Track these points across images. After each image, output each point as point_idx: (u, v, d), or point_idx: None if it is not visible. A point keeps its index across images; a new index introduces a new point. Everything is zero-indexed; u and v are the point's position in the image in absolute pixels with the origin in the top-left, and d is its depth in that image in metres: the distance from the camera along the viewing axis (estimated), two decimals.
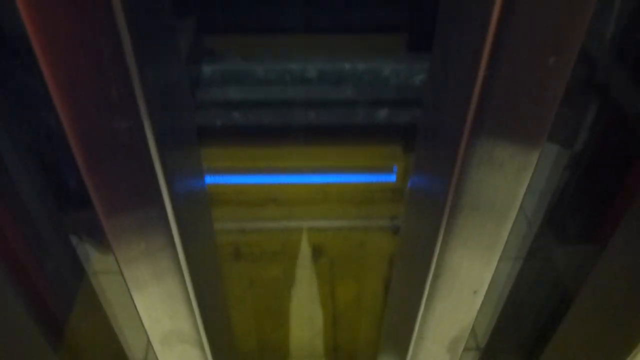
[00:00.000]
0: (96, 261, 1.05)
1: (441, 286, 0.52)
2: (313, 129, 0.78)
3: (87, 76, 0.32)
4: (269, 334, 1.06)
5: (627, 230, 0.73)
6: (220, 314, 0.65)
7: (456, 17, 0.37)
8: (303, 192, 0.90)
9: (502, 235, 0.46)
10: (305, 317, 1.06)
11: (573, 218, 0.86)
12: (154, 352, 0.56)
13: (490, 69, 0.34)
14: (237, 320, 1.00)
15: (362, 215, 0.93)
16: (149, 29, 0.34)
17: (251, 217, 0.93)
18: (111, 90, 0.33)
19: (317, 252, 0.96)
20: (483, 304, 0.55)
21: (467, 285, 0.51)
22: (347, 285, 1.02)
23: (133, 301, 0.49)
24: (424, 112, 0.49)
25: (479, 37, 0.33)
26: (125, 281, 0.47)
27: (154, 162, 0.37)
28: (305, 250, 0.97)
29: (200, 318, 0.51)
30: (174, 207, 0.41)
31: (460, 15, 0.36)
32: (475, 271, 0.50)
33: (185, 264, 0.45)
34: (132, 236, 0.42)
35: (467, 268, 0.49)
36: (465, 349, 0.64)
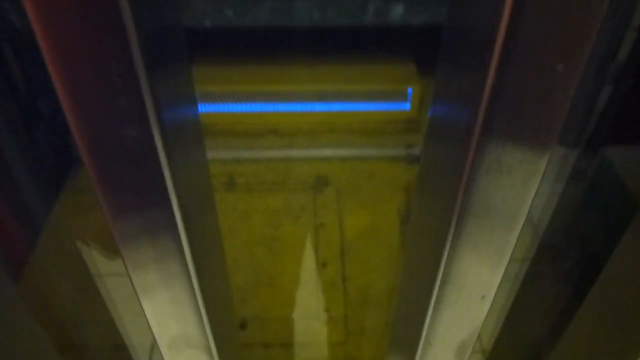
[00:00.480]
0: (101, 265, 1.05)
1: (449, 291, 0.52)
2: (317, 34, 0.67)
3: (96, 83, 0.32)
4: (267, 266, 1.00)
5: (634, 234, 0.73)
6: (227, 318, 0.65)
7: (465, 20, 0.37)
8: (307, 122, 0.83)
9: (510, 240, 0.46)
10: (309, 248, 0.99)
11: None
12: (159, 355, 0.56)
13: (498, 75, 0.34)
14: (230, 252, 0.96)
15: (372, 145, 0.88)
16: (158, 34, 0.34)
17: (247, 147, 0.87)
18: (120, 99, 0.33)
19: (322, 182, 0.91)
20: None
21: (475, 290, 0.51)
22: (356, 216, 0.95)
23: (141, 306, 0.49)
24: (431, 116, 0.49)
25: (488, 43, 0.33)
26: (133, 286, 0.47)
27: (162, 169, 0.37)
28: (308, 180, 0.91)
29: (208, 323, 0.51)
30: (182, 213, 0.41)
31: (469, 18, 0.36)
32: (484, 276, 0.49)
33: (194, 269, 0.45)
34: (141, 242, 0.42)
35: (475, 273, 0.49)
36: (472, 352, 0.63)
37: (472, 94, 0.36)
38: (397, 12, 0.63)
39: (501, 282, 0.51)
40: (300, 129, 0.89)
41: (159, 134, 0.34)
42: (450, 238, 0.45)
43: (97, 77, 0.31)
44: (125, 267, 0.45)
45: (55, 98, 0.33)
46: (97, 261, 1.11)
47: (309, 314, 0.98)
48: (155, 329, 0.51)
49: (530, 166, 0.40)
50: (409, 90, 0.78)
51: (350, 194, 0.93)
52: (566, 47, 0.33)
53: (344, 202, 0.95)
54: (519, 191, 0.42)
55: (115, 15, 0.28)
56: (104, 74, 0.31)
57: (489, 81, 0.34)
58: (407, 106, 0.80)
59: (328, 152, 0.89)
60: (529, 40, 0.32)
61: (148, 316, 0.50)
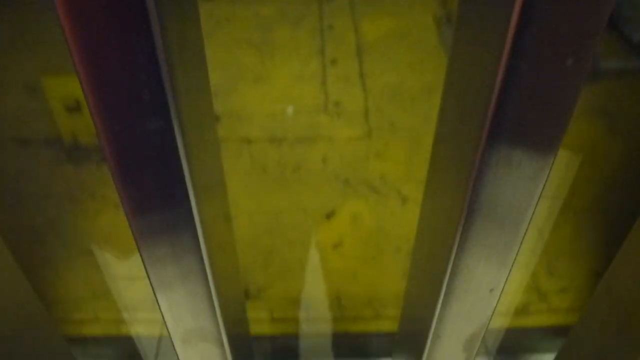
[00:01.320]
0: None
1: (458, 285, 0.52)
2: None
3: (120, 80, 0.33)
4: (253, 66, 0.80)
5: (636, 238, 0.74)
6: (239, 312, 0.66)
7: (477, 19, 0.38)
8: None
9: (518, 234, 0.47)
10: (311, 48, 0.80)
11: None
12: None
13: (509, 70, 0.35)
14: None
15: None
16: (180, 34, 0.35)
17: None
18: (143, 93, 0.34)
19: None
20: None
21: (484, 283, 0.52)
22: (377, 20, 0.77)
23: (157, 300, 0.50)
24: (440, 111, 0.50)
25: (499, 38, 0.34)
26: (150, 281, 0.48)
27: (182, 164, 0.38)
28: None
29: (221, 316, 0.52)
30: (200, 210, 0.42)
31: (481, 18, 0.37)
32: (492, 269, 0.50)
33: (209, 265, 0.46)
34: (159, 238, 0.43)
35: (484, 266, 0.50)
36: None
37: (483, 87, 0.37)
38: None
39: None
40: None
41: (179, 130, 0.35)
42: (460, 231, 0.46)
43: (121, 76, 0.32)
44: (143, 262, 0.46)
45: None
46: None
47: (314, 107, 0.83)
48: (169, 324, 0.52)
49: (540, 160, 0.40)
50: None
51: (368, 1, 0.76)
52: (574, 44, 0.34)
53: (360, 8, 0.78)
54: (527, 186, 0.43)
55: (163, 108, 0.30)
56: (128, 72, 0.32)
57: (499, 78, 0.35)
58: None
59: None
60: (538, 37, 0.33)
61: (163, 311, 0.51)
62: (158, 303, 0.50)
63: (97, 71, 0.32)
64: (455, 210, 0.46)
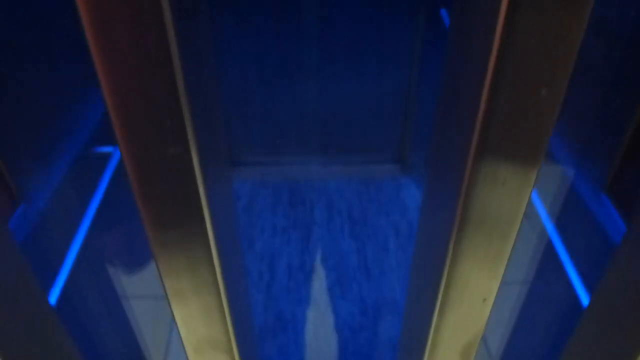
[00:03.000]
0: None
1: (453, 295, 0.56)
2: None
3: (144, 106, 0.37)
4: None
5: (634, 237, 0.77)
6: (248, 323, 0.69)
7: (462, 55, 0.42)
8: None
9: (507, 246, 0.51)
10: None
11: None
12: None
13: (491, 100, 0.39)
14: None
15: None
16: (199, 72, 0.39)
17: None
18: (165, 120, 0.38)
19: None
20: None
21: (476, 293, 0.56)
22: None
23: (171, 311, 0.54)
24: (433, 137, 0.54)
25: (481, 71, 0.38)
26: (165, 292, 0.51)
27: (197, 183, 0.42)
28: None
29: (232, 326, 0.56)
30: (213, 225, 0.46)
31: (465, 53, 0.41)
32: (484, 280, 0.54)
33: (221, 277, 0.50)
34: (175, 251, 0.47)
35: (476, 277, 0.54)
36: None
37: (469, 115, 0.41)
38: None
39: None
40: None
41: (196, 153, 0.40)
42: (452, 244, 0.50)
43: (145, 105, 0.37)
44: (159, 273, 0.50)
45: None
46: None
47: None
48: (183, 332, 0.56)
49: (523, 177, 0.44)
50: None
51: None
52: (548, 75, 0.38)
53: None
54: (513, 200, 0.47)
55: (182, 133, 0.35)
56: (152, 101, 0.37)
57: (482, 105, 0.39)
58: None
59: None
60: (516, 69, 0.38)
61: (177, 320, 0.54)
62: (172, 313, 0.54)
63: (124, 104, 0.36)
64: (448, 223, 0.50)
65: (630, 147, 1.18)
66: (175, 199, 0.43)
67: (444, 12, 2.34)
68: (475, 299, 0.57)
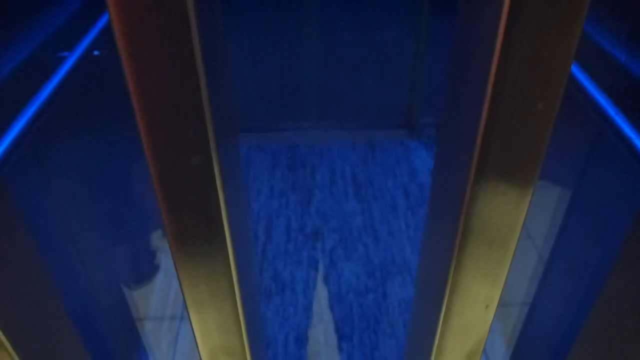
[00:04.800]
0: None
1: (456, 302, 0.59)
2: None
3: (170, 119, 0.40)
4: None
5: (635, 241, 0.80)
6: (261, 332, 0.72)
7: (462, 73, 0.46)
8: None
9: (507, 254, 0.54)
10: None
11: None
12: None
13: (491, 114, 0.42)
14: None
15: None
16: (221, 84, 0.43)
17: None
18: (188, 131, 0.41)
19: None
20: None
21: (479, 300, 0.58)
22: None
23: (189, 318, 0.56)
24: (437, 150, 0.57)
25: (481, 88, 0.41)
26: (184, 300, 0.54)
27: (218, 193, 0.45)
28: None
29: (246, 336, 0.59)
30: (232, 237, 0.49)
31: (465, 72, 0.45)
32: (486, 287, 0.57)
33: (238, 286, 0.53)
34: (196, 261, 0.50)
35: (478, 285, 0.57)
36: None
37: (471, 129, 0.44)
38: None
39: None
40: None
41: (217, 165, 0.43)
42: (456, 252, 0.52)
43: (171, 120, 0.40)
44: (179, 282, 0.52)
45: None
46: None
47: None
48: (199, 339, 0.58)
49: (521, 189, 0.47)
50: None
51: None
52: (543, 91, 0.41)
53: None
54: (512, 211, 0.50)
55: (205, 144, 0.38)
56: (177, 116, 0.40)
57: (482, 123, 0.42)
58: None
59: None
60: (512, 87, 0.41)
61: (194, 327, 0.57)
62: (190, 319, 0.56)
63: (152, 119, 0.40)
64: (452, 233, 0.53)
65: None
66: (196, 209, 0.46)
67: None
68: (478, 306, 0.59)
